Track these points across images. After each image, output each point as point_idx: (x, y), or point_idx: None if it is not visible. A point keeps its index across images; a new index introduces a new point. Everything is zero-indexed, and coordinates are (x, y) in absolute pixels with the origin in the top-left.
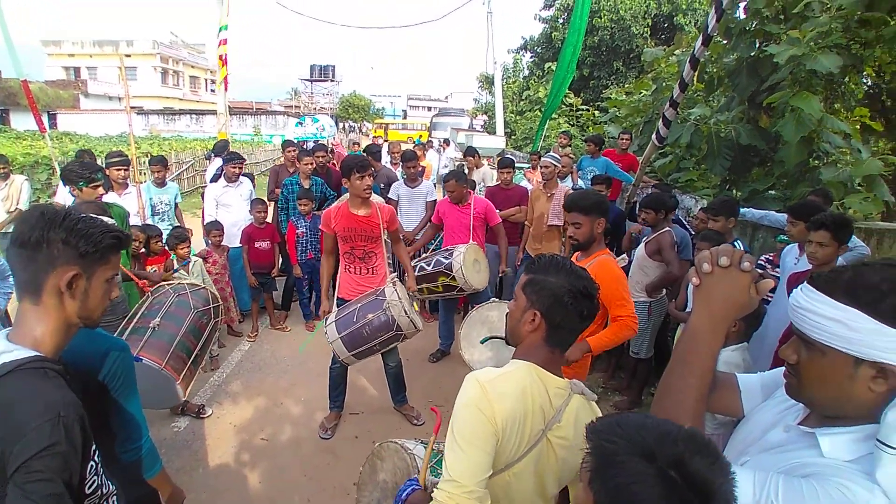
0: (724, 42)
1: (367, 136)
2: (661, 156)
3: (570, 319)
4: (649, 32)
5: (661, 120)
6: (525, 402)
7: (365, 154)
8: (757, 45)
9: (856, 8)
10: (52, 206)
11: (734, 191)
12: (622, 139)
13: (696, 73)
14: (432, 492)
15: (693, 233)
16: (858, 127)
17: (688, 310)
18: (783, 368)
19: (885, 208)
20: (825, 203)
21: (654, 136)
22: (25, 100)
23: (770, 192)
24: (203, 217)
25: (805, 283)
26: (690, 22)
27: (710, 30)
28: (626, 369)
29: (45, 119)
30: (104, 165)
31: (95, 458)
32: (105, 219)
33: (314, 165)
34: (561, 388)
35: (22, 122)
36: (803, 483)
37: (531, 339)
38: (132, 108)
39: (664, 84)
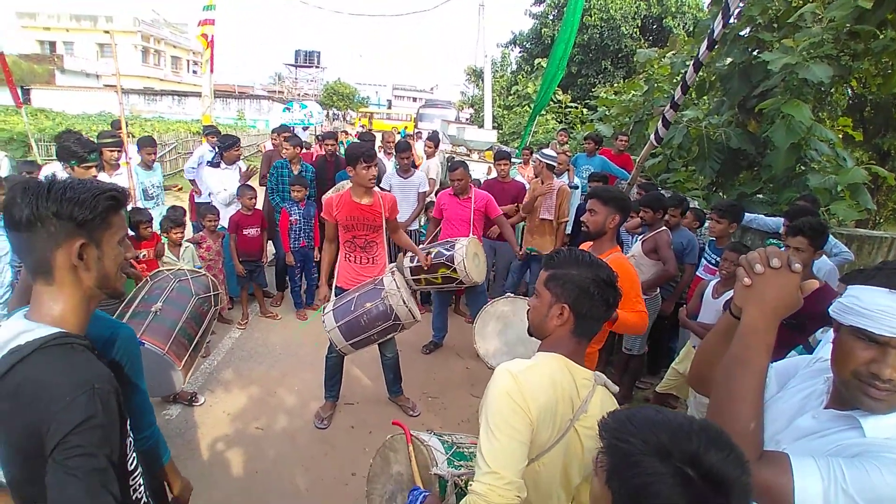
0: (717, 46)
1: (352, 124)
2: (650, 156)
3: (597, 308)
4: (638, 33)
5: (660, 120)
6: (555, 393)
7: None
8: (750, 52)
9: (846, 20)
10: (33, 180)
11: (721, 193)
12: (621, 140)
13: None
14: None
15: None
16: (841, 136)
17: (700, 319)
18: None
19: (868, 216)
20: (814, 208)
21: (652, 136)
22: None
23: (758, 195)
24: (192, 200)
25: (859, 282)
26: (679, 25)
27: (715, 35)
28: (617, 365)
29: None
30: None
31: (131, 434)
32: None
33: (299, 151)
34: (587, 378)
35: None
36: (861, 462)
37: (559, 332)
38: (110, 86)
39: (655, 85)
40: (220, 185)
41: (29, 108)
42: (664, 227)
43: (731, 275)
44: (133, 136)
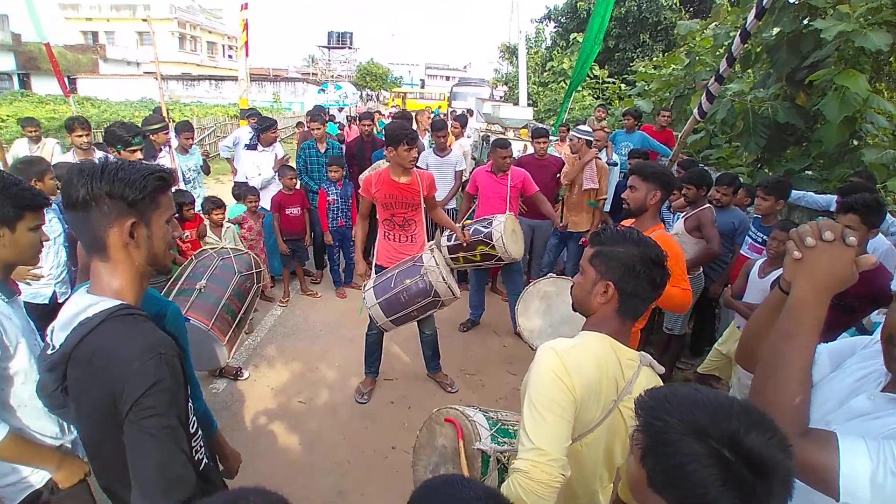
0: (765, 16)
1: (385, 104)
2: (692, 132)
3: (643, 288)
4: (678, 4)
5: (704, 94)
6: (600, 372)
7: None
8: (800, 20)
9: None
10: (89, 162)
11: (767, 170)
12: (662, 116)
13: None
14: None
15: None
16: None
17: (745, 299)
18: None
19: None
20: (870, 185)
21: (695, 110)
22: (46, 64)
23: (806, 172)
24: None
25: None
26: None
27: (765, 2)
28: (658, 345)
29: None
30: (144, 129)
31: (191, 400)
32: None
33: (323, 129)
34: (632, 359)
35: (43, 86)
36: None
37: (603, 311)
38: (150, 73)
39: (697, 58)
40: (255, 169)
41: (76, 96)
42: (708, 205)
43: (778, 254)
44: (172, 121)
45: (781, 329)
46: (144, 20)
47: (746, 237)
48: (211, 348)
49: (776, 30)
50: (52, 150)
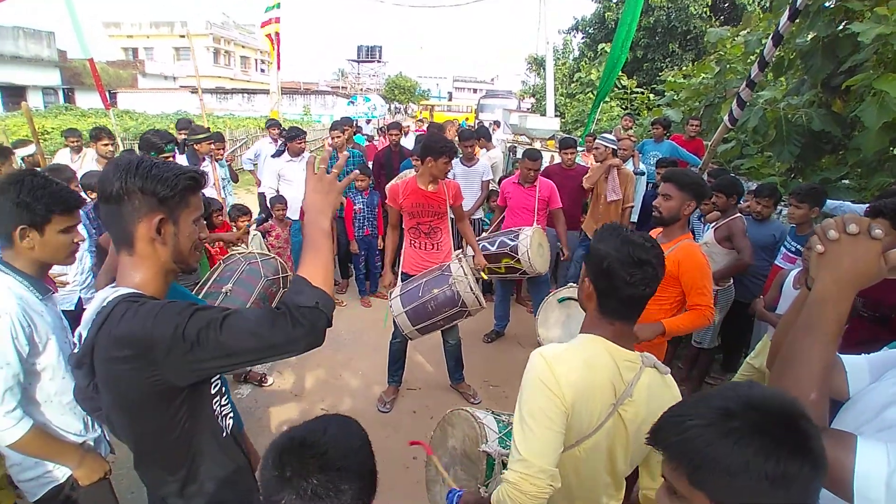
0: (798, 21)
1: (413, 117)
2: (723, 141)
3: (617, 287)
4: (709, 12)
5: (734, 101)
6: (592, 376)
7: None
8: (836, 24)
9: None
10: (126, 157)
11: (800, 179)
12: (692, 125)
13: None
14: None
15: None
16: None
17: (778, 310)
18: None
19: None
20: None
21: (726, 117)
22: (89, 79)
23: (843, 181)
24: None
25: None
26: (753, 1)
27: (798, 4)
28: (686, 359)
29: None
30: (189, 140)
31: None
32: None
33: (343, 138)
34: (631, 360)
35: (86, 100)
36: None
37: (589, 311)
38: (186, 87)
39: (728, 66)
40: (273, 180)
41: (115, 109)
42: (738, 214)
43: None
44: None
45: (802, 323)
46: (182, 36)
47: (781, 247)
48: None
49: (810, 35)
50: (92, 159)
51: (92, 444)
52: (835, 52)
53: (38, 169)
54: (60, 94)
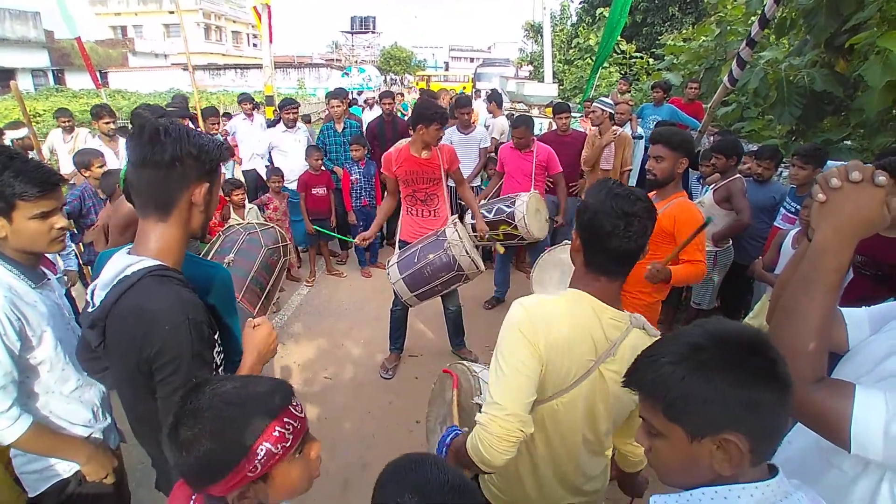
0: None
1: (409, 89)
2: (722, 104)
3: (601, 239)
4: None
5: (734, 61)
6: (570, 329)
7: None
8: None
9: None
10: (166, 123)
11: (802, 141)
12: (691, 88)
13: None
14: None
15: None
16: None
17: (776, 271)
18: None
19: None
20: None
21: (726, 78)
22: (79, 60)
23: (845, 142)
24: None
25: None
26: None
27: None
28: (685, 322)
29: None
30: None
31: (218, 344)
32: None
33: (342, 108)
34: (617, 319)
35: (77, 81)
36: None
37: (577, 264)
38: (177, 64)
39: (728, 27)
40: (259, 153)
41: (107, 89)
42: (738, 175)
43: None
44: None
45: (801, 274)
46: (172, 12)
47: (780, 208)
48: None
49: None
50: (84, 139)
51: (101, 435)
52: (839, 10)
53: (31, 152)
54: (50, 75)
